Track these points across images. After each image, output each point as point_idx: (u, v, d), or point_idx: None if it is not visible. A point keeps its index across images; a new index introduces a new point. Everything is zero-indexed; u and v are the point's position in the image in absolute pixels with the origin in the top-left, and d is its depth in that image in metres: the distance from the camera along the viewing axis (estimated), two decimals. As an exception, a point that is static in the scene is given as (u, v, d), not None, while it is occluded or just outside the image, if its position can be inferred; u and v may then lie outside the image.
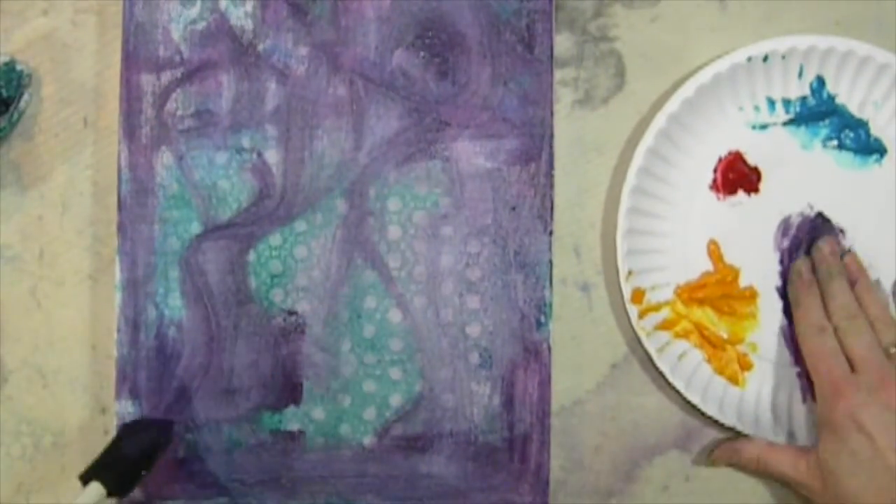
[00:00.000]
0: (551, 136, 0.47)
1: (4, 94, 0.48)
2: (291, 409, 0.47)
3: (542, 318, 0.47)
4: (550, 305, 0.47)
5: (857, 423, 0.44)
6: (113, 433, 0.47)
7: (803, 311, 0.47)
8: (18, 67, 0.48)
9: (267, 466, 0.47)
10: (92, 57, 0.49)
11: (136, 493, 0.46)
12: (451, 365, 0.47)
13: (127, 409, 0.46)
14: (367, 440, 0.47)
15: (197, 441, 0.47)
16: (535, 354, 0.47)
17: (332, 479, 0.47)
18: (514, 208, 0.47)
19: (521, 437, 0.47)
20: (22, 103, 0.48)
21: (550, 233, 0.47)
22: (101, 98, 0.49)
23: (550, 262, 0.47)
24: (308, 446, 0.47)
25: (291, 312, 0.47)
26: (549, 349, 0.47)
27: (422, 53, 0.47)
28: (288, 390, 0.47)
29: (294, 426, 0.47)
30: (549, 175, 0.47)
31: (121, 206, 0.47)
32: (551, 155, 0.47)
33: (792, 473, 0.46)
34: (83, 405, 0.49)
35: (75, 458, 0.49)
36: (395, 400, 0.47)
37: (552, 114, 0.47)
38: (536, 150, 0.47)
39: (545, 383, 0.47)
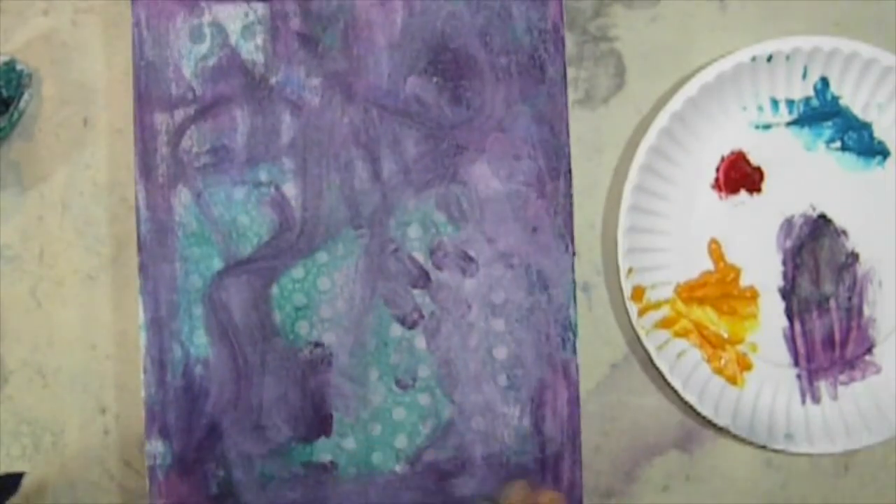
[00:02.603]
0: (568, 155, 0.47)
1: (4, 94, 0.47)
2: (322, 440, 0.47)
3: (569, 337, 0.47)
4: (576, 325, 0.47)
5: None
6: (113, 434, 0.47)
7: None
8: (18, 67, 0.48)
9: (301, 499, 0.47)
10: (92, 57, 0.49)
11: (172, 532, 0.46)
12: (480, 389, 0.47)
13: (157, 450, 0.46)
14: (400, 467, 0.47)
15: (229, 477, 0.47)
16: (563, 373, 0.47)
17: (367, 508, 0.47)
18: (534, 229, 0.47)
19: (553, 456, 0.47)
20: (22, 103, 0.48)
21: (573, 253, 0.47)
22: (101, 98, 0.49)
23: (574, 281, 0.47)
24: (341, 477, 0.47)
25: (318, 344, 0.47)
26: (577, 368, 0.47)
27: (435, 79, 0.47)
28: (318, 422, 0.47)
29: (326, 457, 0.47)
30: (569, 195, 0.47)
31: (140, 246, 0.47)
32: (569, 174, 0.47)
33: None
34: (83, 405, 0.49)
35: (75, 458, 0.49)
36: (426, 426, 0.47)
37: (568, 134, 0.47)
38: (554, 170, 0.47)
39: (574, 402, 0.47)
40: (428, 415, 0.47)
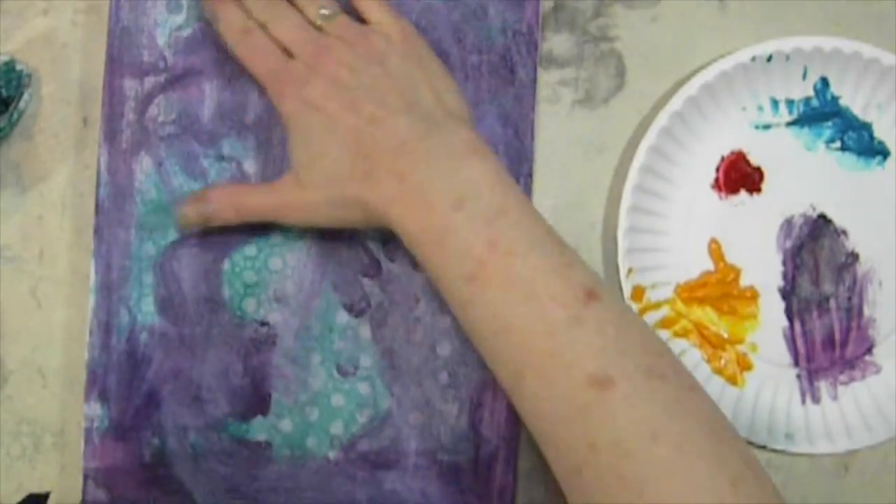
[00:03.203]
0: (531, 158, 0.47)
1: (4, 93, 0.48)
2: (259, 419, 0.47)
3: (514, 341, 0.47)
4: (522, 329, 0.47)
5: (306, 103, 0.42)
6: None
7: (223, 23, 0.44)
8: (18, 67, 0.48)
9: (232, 476, 0.47)
10: (92, 57, 0.49)
11: (101, 495, 0.46)
12: (420, 383, 0.47)
13: (95, 412, 0.47)
14: (333, 454, 0.47)
15: (163, 447, 0.47)
16: (504, 377, 0.47)
17: (297, 492, 0.47)
18: (490, 230, 0.47)
19: (487, 458, 0.47)
20: (22, 103, 0.48)
21: (525, 256, 0.47)
22: (101, 98, 0.49)
23: (524, 285, 0.47)
24: (273, 457, 0.47)
25: (263, 323, 0.47)
26: (519, 372, 0.47)
27: (405, 70, 0.47)
28: (256, 400, 0.47)
29: (261, 437, 0.47)
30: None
31: (98, 209, 0.47)
32: (530, 177, 0.47)
33: (273, 200, 0.43)
34: (83, 405, 0.48)
35: (75, 458, 0.49)
36: (363, 415, 0.47)
37: (533, 137, 0.47)
38: (515, 173, 0.47)
39: (513, 406, 0.47)
40: (366, 404, 0.47)
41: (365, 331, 0.47)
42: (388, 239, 0.47)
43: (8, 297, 0.49)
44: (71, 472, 0.49)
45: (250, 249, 0.47)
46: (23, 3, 0.49)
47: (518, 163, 0.47)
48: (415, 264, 0.47)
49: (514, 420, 0.47)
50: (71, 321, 0.49)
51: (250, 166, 0.47)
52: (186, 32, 0.47)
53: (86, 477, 0.47)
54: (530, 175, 0.47)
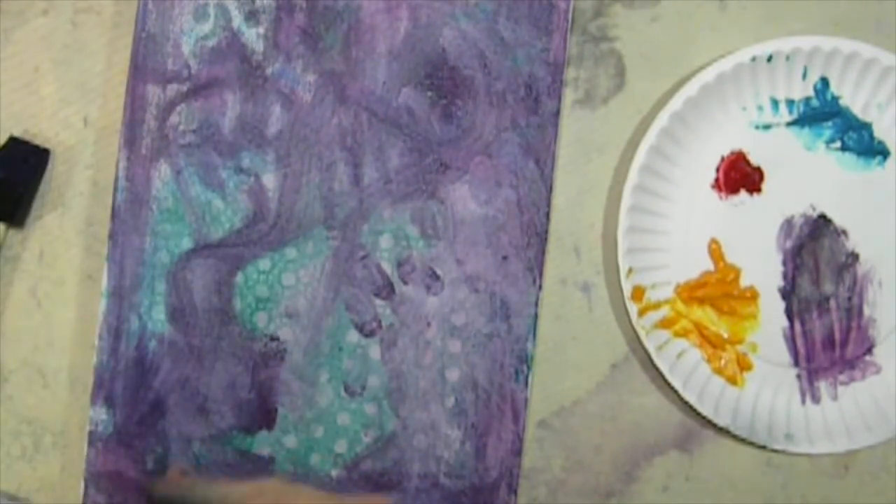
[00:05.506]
0: (550, 189, 0.47)
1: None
2: (263, 433, 0.47)
3: (523, 369, 0.47)
4: (531, 358, 0.47)
5: None
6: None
7: None
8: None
9: (233, 488, 0.47)
10: (92, 57, 0.49)
11: (101, 500, 0.46)
12: (427, 407, 0.47)
13: (100, 417, 0.47)
14: (336, 472, 0.47)
15: (166, 455, 0.47)
16: (511, 404, 0.47)
17: (297, 507, 0.47)
18: (505, 257, 0.47)
19: (489, 485, 0.47)
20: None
21: (539, 286, 0.47)
22: (101, 98, 0.49)
23: (536, 314, 0.47)
24: (276, 472, 0.47)
25: (273, 338, 0.47)
26: (526, 401, 0.47)
27: (429, 93, 0.47)
28: (262, 414, 0.47)
29: (264, 451, 0.47)
30: (544, 230, 0.47)
31: (114, 214, 0.47)
32: (548, 208, 0.47)
33: None
34: (83, 405, 0.49)
35: (75, 457, 0.49)
36: (368, 435, 0.47)
37: (553, 169, 0.47)
38: (533, 202, 0.47)
39: (518, 434, 0.47)
40: (371, 424, 0.47)
41: (374, 351, 0.47)
42: (403, 261, 0.47)
43: (8, 297, 0.49)
44: (71, 472, 0.49)
45: (264, 263, 0.47)
46: (23, 3, 0.49)
47: (538, 194, 0.47)
48: (428, 288, 0.47)
49: (518, 449, 0.47)
50: (72, 321, 0.49)
51: (269, 180, 0.47)
52: (212, 42, 0.47)
53: (87, 481, 0.47)
54: (548, 207, 0.47)
